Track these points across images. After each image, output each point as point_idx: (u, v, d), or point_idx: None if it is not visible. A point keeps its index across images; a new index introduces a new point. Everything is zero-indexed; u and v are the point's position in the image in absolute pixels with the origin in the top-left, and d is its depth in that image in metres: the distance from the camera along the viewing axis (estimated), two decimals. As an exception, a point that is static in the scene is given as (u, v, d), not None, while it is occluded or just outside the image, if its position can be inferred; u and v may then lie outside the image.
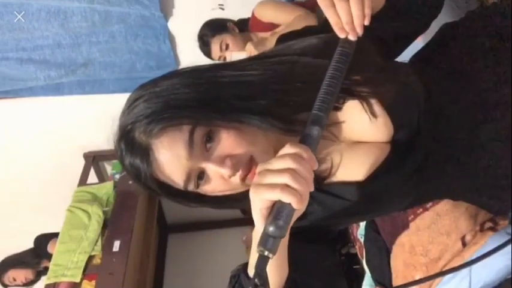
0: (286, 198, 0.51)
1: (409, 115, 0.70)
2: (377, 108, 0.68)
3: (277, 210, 0.53)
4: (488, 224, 1.16)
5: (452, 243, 1.20)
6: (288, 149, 0.54)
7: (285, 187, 0.51)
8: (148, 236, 2.68)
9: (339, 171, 0.70)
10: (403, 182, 0.71)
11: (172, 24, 2.33)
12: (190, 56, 2.33)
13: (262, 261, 0.52)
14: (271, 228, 0.52)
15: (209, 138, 0.62)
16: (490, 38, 0.79)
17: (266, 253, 0.52)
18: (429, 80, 0.74)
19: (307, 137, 0.58)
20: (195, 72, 0.68)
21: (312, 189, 0.54)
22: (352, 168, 0.70)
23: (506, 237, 1.13)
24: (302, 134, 0.59)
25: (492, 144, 0.73)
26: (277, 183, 0.52)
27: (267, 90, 0.65)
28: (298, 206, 0.52)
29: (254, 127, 0.64)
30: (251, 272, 0.63)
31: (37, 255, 2.56)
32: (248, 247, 2.95)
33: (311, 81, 0.65)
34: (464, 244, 1.17)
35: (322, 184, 0.70)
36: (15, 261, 2.54)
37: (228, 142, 0.62)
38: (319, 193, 0.70)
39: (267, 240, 0.52)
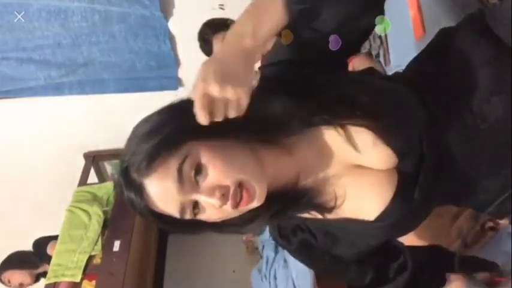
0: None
1: (411, 141, 0.69)
2: (376, 141, 0.68)
3: None
4: (489, 224, 1.16)
5: (452, 243, 1.20)
6: None
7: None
8: (148, 236, 2.68)
9: (349, 205, 0.71)
10: (415, 208, 0.71)
11: (172, 24, 2.33)
12: (190, 56, 2.33)
13: None
14: None
15: (198, 171, 0.63)
16: (491, 41, 0.78)
17: None
18: (428, 96, 0.74)
19: None
20: (184, 103, 0.69)
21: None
22: (361, 200, 0.71)
23: (507, 237, 1.13)
24: None
25: (493, 152, 0.73)
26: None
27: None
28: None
29: (237, 141, 0.65)
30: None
31: (36, 258, 2.54)
32: (248, 247, 2.96)
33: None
34: (465, 244, 1.18)
35: (329, 215, 0.72)
36: (16, 261, 2.52)
37: (215, 173, 0.63)
38: (335, 229, 0.74)
39: None
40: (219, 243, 3.08)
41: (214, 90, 0.59)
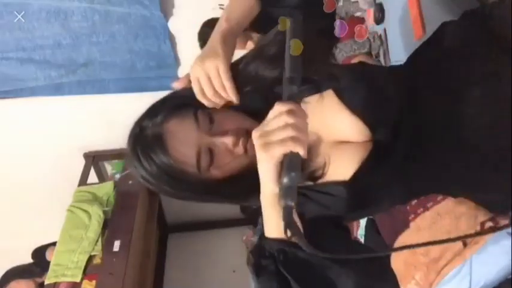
0: (297, 148, 0.58)
1: (382, 114, 0.75)
2: (345, 110, 0.75)
3: (289, 162, 0.58)
4: (489, 224, 1.16)
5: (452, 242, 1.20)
6: (280, 108, 0.61)
7: (293, 139, 0.58)
8: (148, 236, 2.68)
9: (329, 170, 0.75)
10: (388, 176, 0.75)
11: (172, 24, 2.33)
12: (190, 56, 2.33)
13: (288, 212, 0.58)
14: (288, 179, 0.58)
15: (211, 120, 0.72)
16: (488, 38, 0.79)
17: (290, 203, 0.58)
18: (418, 80, 0.78)
19: (291, 96, 0.63)
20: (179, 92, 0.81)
21: (308, 137, 0.61)
22: (340, 167, 0.74)
23: (507, 237, 1.13)
24: (284, 94, 0.64)
25: (483, 141, 0.74)
26: (286, 137, 0.58)
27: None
28: (305, 153, 0.59)
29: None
30: (272, 234, 0.65)
31: (38, 268, 2.51)
32: (248, 247, 2.97)
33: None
34: (465, 244, 1.18)
35: (317, 183, 0.75)
36: (18, 271, 2.50)
37: (225, 120, 0.73)
38: (313, 192, 0.75)
39: (287, 192, 0.58)
40: (219, 243, 3.09)
41: (196, 69, 0.71)
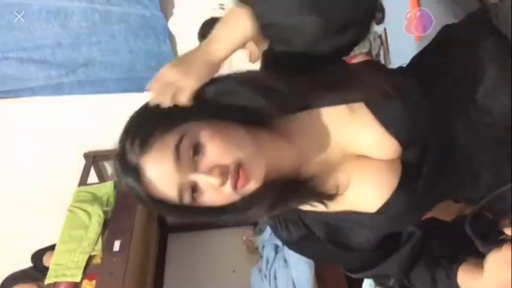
0: None
1: (415, 131, 0.70)
2: (379, 128, 0.68)
3: None
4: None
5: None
6: None
7: None
8: (148, 236, 2.68)
9: (350, 196, 0.70)
10: (418, 200, 0.71)
11: (172, 24, 2.33)
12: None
13: None
14: None
15: (195, 151, 0.62)
16: (494, 37, 0.78)
17: None
18: (432, 88, 0.74)
19: None
20: None
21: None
22: (364, 193, 0.70)
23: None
24: None
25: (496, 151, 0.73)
26: None
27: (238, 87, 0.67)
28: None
29: (233, 123, 0.65)
30: None
31: (39, 273, 2.50)
32: (248, 247, 2.96)
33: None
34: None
35: (331, 207, 0.71)
36: (21, 276, 2.49)
37: (213, 151, 0.62)
38: (339, 221, 0.74)
39: None
40: (219, 243, 3.09)
41: (167, 72, 0.64)
